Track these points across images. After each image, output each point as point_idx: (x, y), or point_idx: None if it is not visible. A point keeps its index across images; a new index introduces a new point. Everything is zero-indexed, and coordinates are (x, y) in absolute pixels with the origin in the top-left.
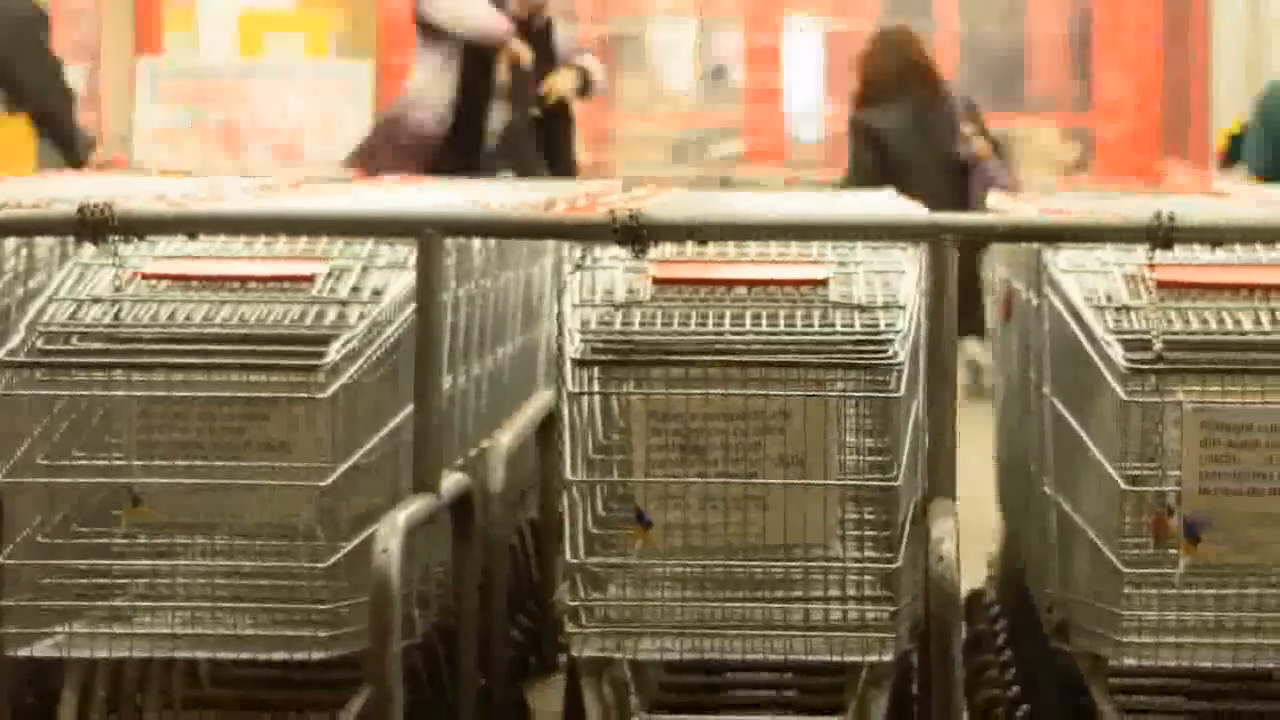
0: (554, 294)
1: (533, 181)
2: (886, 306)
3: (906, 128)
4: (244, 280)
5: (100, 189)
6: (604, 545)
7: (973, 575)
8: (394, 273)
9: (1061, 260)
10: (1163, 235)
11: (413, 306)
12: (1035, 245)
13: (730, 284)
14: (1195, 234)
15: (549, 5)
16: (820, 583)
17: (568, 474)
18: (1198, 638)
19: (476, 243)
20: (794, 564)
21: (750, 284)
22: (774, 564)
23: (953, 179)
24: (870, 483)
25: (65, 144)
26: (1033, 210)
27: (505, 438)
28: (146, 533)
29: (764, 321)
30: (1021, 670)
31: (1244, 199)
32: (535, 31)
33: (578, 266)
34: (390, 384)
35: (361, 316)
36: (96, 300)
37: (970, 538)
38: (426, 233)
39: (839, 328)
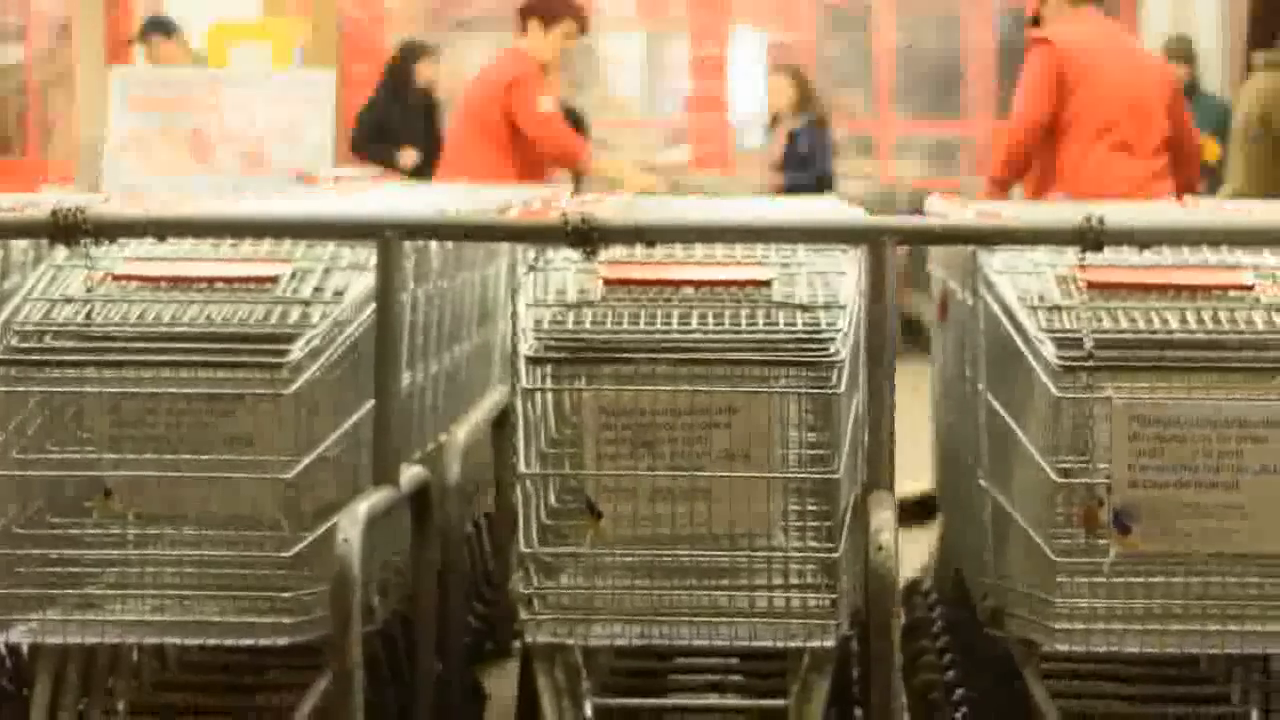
0: (508, 294)
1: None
2: (828, 306)
3: None
4: (211, 281)
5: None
6: (556, 536)
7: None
8: (355, 274)
9: (996, 262)
10: (1092, 238)
11: (373, 306)
12: (970, 247)
13: (678, 285)
14: (1123, 236)
15: None
16: (764, 571)
17: (521, 467)
18: (1127, 625)
19: (434, 245)
20: (739, 553)
21: (697, 285)
22: (720, 553)
23: None
24: (812, 475)
25: None
26: (969, 213)
27: (462, 432)
28: (117, 523)
29: (710, 320)
30: (957, 656)
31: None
32: None
33: (531, 268)
34: (351, 380)
35: (324, 316)
36: (69, 300)
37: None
38: (386, 235)
39: (782, 327)
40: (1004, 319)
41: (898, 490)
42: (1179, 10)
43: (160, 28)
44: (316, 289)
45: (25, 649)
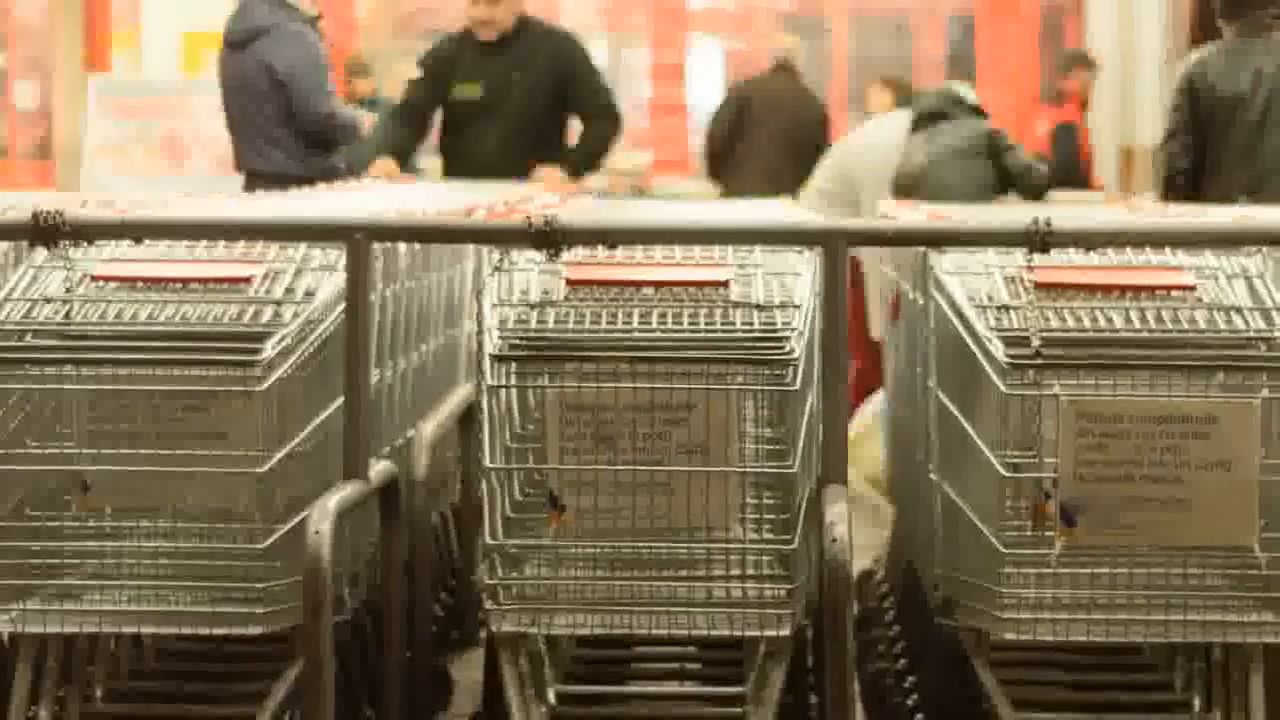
0: (474, 294)
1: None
2: (784, 306)
3: None
4: (186, 282)
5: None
6: (520, 528)
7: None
8: (325, 274)
9: (946, 263)
10: (1040, 239)
11: (343, 306)
12: (921, 249)
13: (638, 285)
14: (1070, 238)
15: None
16: (722, 563)
17: (487, 462)
18: (1072, 614)
19: (402, 246)
20: (697, 545)
21: (657, 285)
22: (679, 545)
23: None
24: (769, 469)
25: None
26: (919, 215)
27: (429, 428)
28: (95, 516)
29: (670, 320)
30: (909, 645)
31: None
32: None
33: (496, 269)
34: (322, 378)
35: (295, 315)
36: (49, 300)
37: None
38: (355, 237)
39: (739, 326)
40: (954, 318)
41: None
42: (1124, 19)
43: None
44: (288, 289)
45: (5, 638)
